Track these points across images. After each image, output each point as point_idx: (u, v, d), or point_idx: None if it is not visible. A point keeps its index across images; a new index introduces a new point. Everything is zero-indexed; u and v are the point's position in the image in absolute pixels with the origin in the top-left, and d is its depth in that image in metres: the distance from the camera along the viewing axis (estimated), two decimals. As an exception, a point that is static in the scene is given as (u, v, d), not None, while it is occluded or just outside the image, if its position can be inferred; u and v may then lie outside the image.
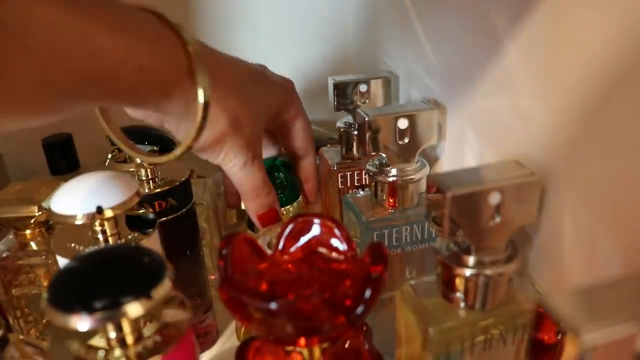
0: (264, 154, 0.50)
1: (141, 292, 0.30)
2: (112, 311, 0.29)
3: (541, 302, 0.25)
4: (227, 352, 0.60)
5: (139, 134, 0.50)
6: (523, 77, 0.38)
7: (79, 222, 0.39)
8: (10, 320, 0.54)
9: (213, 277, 0.66)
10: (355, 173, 0.58)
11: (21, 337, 0.42)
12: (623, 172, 0.31)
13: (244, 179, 0.45)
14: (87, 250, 0.37)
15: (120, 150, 0.53)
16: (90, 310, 0.29)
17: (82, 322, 0.29)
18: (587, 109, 0.33)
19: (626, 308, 0.24)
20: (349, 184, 0.59)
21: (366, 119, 0.45)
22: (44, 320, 0.55)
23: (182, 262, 0.56)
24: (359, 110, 0.46)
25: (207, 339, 0.61)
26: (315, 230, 0.37)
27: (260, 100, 0.46)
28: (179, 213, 0.53)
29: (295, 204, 0.53)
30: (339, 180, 0.58)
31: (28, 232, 0.52)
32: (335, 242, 0.37)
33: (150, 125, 0.45)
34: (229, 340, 0.62)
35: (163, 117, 0.42)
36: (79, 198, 0.40)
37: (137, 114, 0.43)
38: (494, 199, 0.33)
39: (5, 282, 0.52)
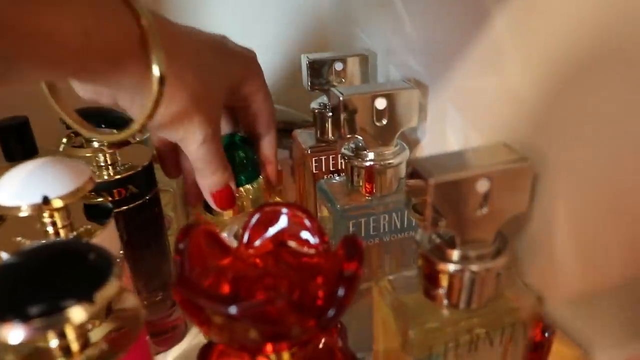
0: (223, 129, 0.48)
1: (84, 294, 0.26)
2: (50, 318, 0.25)
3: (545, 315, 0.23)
4: (197, 348, 0.56)
5: (95, 116, 0.46)
6: (512, 54, 0.35)
7: (23, 213, 0.35)
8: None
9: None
10: (331, 157, 0.55)
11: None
12: (620, 156, 0.28)
13: (202, 156, 0.43)
14: (26, 246, 0.33)
15: (76, 134, 0.49)
16: (25, 318, 0.25)
17: (15, 333, 0.25)
18: (583, 89, 0.30)
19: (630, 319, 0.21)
20: (323, 169, 0.56)
21: (341, 98, 0.41)
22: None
23: (145, 253, 0.53)
24: (333, 89, 0.43)
25: (175, 334, 0.57)
26: (283, 221, 0.33)
27: (220, 73, 0.43)
28: (141, 201, 0.49)
29: (255, 184, 0.50)
30: (313, 164, 0.55)
31: (-25, 223, 0.47)
32: (305, 234, 0.33)
33: (104, 105, 0.41)
34: (198, 334, 0.58)
35: (116, 94, 0.39)
36: (24, 187, 0.36)
37: (89, 93, 0.40)
38: (482, 186, 0.30)
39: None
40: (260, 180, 0.50)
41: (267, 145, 0.50)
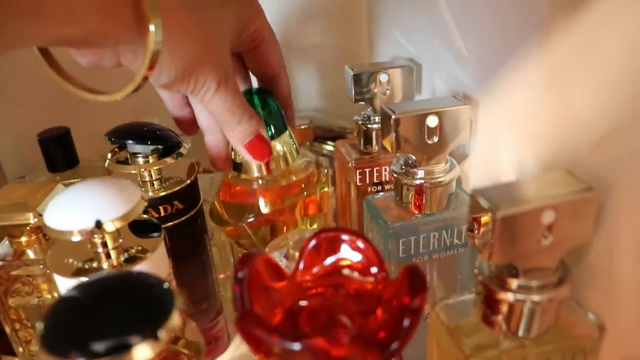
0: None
1: (149, 331, 0.26)
2: (116, 356, 0.25)
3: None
4: (240, 359, 0.57)
5: (139, 134, 0.46)
6: (576, 74, 0.33)
7: (75, 238, 0.35)
8: (8, 331, 0.51)
9: (222, 276, 0.63)
10: (375, 169, 0.54)
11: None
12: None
13: (220, 104, 0.40)
14: (87, 278, 0.33)
15: (120, 149, 0.49)
16: (90, 355, 0.25)
17: (80, 370, 0.25)
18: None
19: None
20: (367, 181, 0.55)
21: (392, 116, 0.40)
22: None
23: (189, 265, 0.53)
24: (383, 106, 0.42)
25: (218, 345, 0.58)
26: (344, 250, 0.33)
27: (222, 16, 0.40)
28: (186, 216, 0.49)
29: (283, 140, 0.48)
30: (357, 177, 0.54)
31: (24, 239, 0.48)
32: (362, 260, 0.33)
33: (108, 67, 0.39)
34: (241, 345, 0.58)
35: (117, 51, 0.37)
36: (75, 210, 0.36)
37: (89, 58, 0.37)
38: (548, 217, 0.29)
39: (0, 292, 0.49)
40: (287, 135, 0.49)
41: (282, 84, 0.48)
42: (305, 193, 0.51)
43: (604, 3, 0.30)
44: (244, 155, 0.44)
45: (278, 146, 0.48)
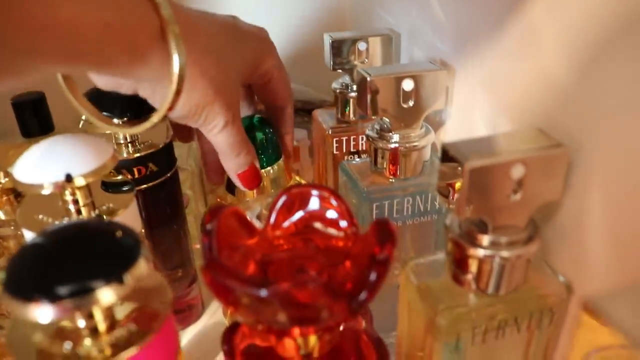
0: (242, 111, 0.48)
1: (113, 275, 0.26)
2: (79, 299, 0.25)
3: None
4: (214, 327, 0.57)
5: (106, 99, 0.46)
6: (550, 36, 0.33)
7: (46, 191, 0.35)
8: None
9: (198, 246, 0.62)
10: (351, 138, 0.54)
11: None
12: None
13: (224, 140, 0.43)
14: (52, 225, 0.33)
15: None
16: (53, 297, 0.25)
17: (43, 312, 0.25)
18: (623, 73, 0.29)
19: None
20: (344, 150, 0.55)
21: (368, 79, 0.40)
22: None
23: (164, 231, 0.52)
24: (359, 69, 0.42)
25: (191, 313, 0.57)
26: (313, 203, 0.33)
27: (236, 56, 0.43)
28: (161, 179, 0.49)
29: (276, 166, 0.49)
30: (334, 145, 0.54)
31: (-6, 199, 0.47)
32: (333, 216, 0.33)
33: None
34: (215, 314, 0.58)
35: (136, 85, 0.39)
36: (46, 164, 0.36)
37: (109, 84, 0.39)
38: (517, 172, 0.29)
39: (-30, 254, 0.48)
40: (280, 162, 0.49)
41: (287, 116, 0.50)
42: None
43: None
44: (235, 182, 0.46)
45: (271, 171, 0.49)
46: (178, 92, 0.36)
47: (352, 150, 0.55)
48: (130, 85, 0.39)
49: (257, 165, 0.46)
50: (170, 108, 0.37)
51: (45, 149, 0.37)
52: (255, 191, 0.48)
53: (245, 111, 0.50)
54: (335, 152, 0.55)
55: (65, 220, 0.38)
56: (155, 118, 0.38)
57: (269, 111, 0.50)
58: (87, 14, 0.31)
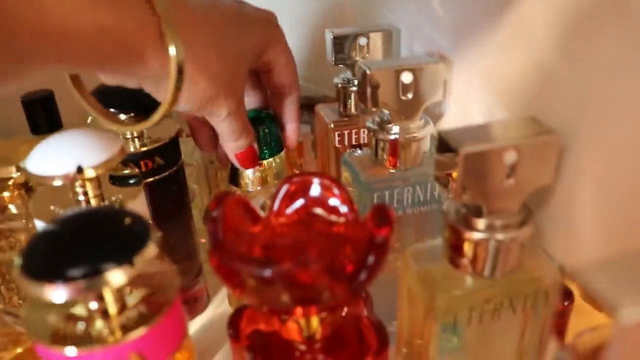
0: (248, 97, 0.49)
1: (123, 258, 0.27)
2: (91, 280, 0.26)
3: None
4: (219, 318, 0.58)
5: (112, 96, 0.47)
6: (543, 27, 0.35)
7: (57, 183, 0.36)
8: (-9, 286, 0.51)
9: (204, 240, 0.64)
10: (353, 132, 0.55)
11: (0, 306, 0.40)
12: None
13: (226, 127, 0.44)
14: (64, 213, 0.34)
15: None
16: (66, 279, 0.26)
17: (57, 293, 0.26)
18: (613, 62, 0.30)
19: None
20: (346, 143, 0.56)
21: (368, 72, 0.41)
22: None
23: (170, 225, 0.53)
24: (360, 63, 0.43)
25: (197, 305, 0.59)
26: (314, 190, 0.34)
27: (240, 45, 0.42)
28: (167, 173, 0.50)
29: (278, 158, 0.50)
30: (336, 139, 0.55)
31: (6, 194, 0.48)
32: (334, 202, 0.34)
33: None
34: (220, 305, 0.60)
35: (140, 81, 0.39)
36: (57, 157, 0.37)
37: (113, 80, 0.40)
38: (510, 157, 0.30)
39: (-17, 247, 0.49)
40: (282, 155, 0.51)
41: (292, 104, 0.50)
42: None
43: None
44: (233, 161, 0.47)
45: (273, 164, 0.50)
46: (178, 89, 0.36)
47: (354, 143, 0.56)
48: (134, 81, 0.40)
49: (255, 147, 0.47)
50: (172, 104, 0.37)
51: (56, 143, 0.38)
52: (258, 182, 0.49)
53: (252, 98, 0.51)
54: (337, 145, 0.56)
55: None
56: (157, 116, 0.39)
57: (273, 99, 0.50)
58: (80, 18, 0.31)
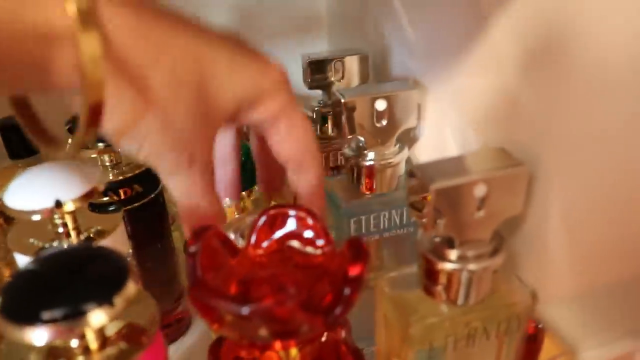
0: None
1: (103, 298, 0.28)
2: (72, 322, 0.27)
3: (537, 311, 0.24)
4: (201, 340, 0.58)
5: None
6: (511, 55, 0.36)
7: (35, 217, 0.36)
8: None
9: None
10: (331, 154, 0.56)
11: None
12: (614, 158, 0.29)
13: (176, 187, 0.33)
14: (44, 252, 0.34)
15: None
16: (47, 321, 0.27)
17: (38, 335, 0.26)
18: (579, 91, 0.31)
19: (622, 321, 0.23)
20: (323, 165, 0.57)
21: (342, 100, 0.42)
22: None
23: (150, 249, 0.54)
24: (335, 90, 0.44)
25: (180, 326, 0.59)
26: (290, 223, 0.34)
27: (211, 79, 0.31)
28: (146, 199, 0.51)
29: (256, 187, 0.49)
30: (314, 161, 0.56)
31: (-16, 224, 0.49)
32: (309, 234, 0.35)
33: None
34: (203, 326, 0.60)
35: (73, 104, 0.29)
36: (35, 191, 0.37)
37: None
38: (480, 191, 0.31)
39: (-39, 277, 0.49)
40: (255, 188, 0.51)
41: (305, 181, 0.37)
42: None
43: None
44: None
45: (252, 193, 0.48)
46: (90, 119, 0.26)
47: (331, 165, 0.57)
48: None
49: (222, 216, 0.37)
50: (92, 124, 0.27)
51: (35, 176, 0.38)
52: (238, 211, 0.49)
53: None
54: (315, 167, 0.56)
55: (56, 244, 0.39)
56: (70, 148, 0.30)
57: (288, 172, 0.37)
58: None
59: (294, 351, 0.33)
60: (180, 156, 0.31)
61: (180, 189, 0.33)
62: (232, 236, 0.40)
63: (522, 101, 0.35)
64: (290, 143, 0.36)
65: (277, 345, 0.32)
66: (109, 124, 0.28)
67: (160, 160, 0.31)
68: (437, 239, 0.34)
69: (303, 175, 0.37)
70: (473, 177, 0.31)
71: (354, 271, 0.29)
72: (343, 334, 0.38)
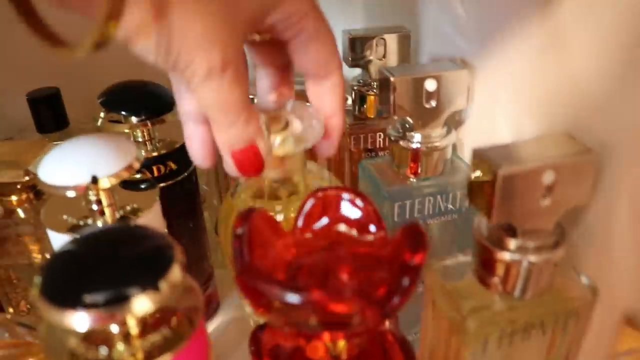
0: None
1: (149, 282, 0.26)
2: (115, 308, 0.25)
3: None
4: (229, 324, 0.57)
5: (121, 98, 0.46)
6: (578, 37, 0.33)
7: (70, 193, 0.35)
8: (-1, 292, 0.50)
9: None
10: (369, 135, 0.54)
11: (8, 316, 0.39)
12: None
13: (210, 96, 0.30)
14: (83, 231, 0.33)
15: (111, 109, 0.48)
16: (89, 306, 0.25)
17: (80, 321, 0.25)
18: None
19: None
20: (361, 147, 0.55)
21: (391, 79, 0.40)
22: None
23: (183, 228, 0.52)
24: (382, 69, 0.42)
25: (208, 309, 0.58)
26: (340, 206, 0.33)
27: None
28: (180, 178, 0.49)
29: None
30: (352, 142, 0.54)
31: (14, 198, 0.47)
32: (361, 219, 0.33)
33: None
34: (230, 310, 0.58)
35: None
36: (71, 166, 0.36)
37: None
38: (548, 178, 0.29)
39: (-11, 252, 0.48)
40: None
41: (327, 95, 0.36)
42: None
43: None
44: (228, 164, 0.34)
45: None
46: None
47: (369, 147, 0.55)
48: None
49: (261, 143, 0.34)
50: (112, 17, 0.24)
51: (69, 150, 0.37)
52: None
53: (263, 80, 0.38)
54: (352, 149, 0.55)
55: (90, 221, 0.38)
56: (88, 40, 0.25)
57: (307, 82, 0.36)
58: None
59: (341, 343, 0.32)
60: (212, 55, 0.28)
61: (214, 98, 0.30)
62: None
63: (588, 86, 0.33)
64: (318, 45, 0.34)
65: (326, 336, 0.30)
66: (133, 15, 0.26)
67: (191, 62, 0.29)
68: (496, 227, 0.32)
69: (328, 79, 0.36)
70: (541, 163, 0.29)
71: (414, 259, 0.28)
72: (388, 323, 0.36)
